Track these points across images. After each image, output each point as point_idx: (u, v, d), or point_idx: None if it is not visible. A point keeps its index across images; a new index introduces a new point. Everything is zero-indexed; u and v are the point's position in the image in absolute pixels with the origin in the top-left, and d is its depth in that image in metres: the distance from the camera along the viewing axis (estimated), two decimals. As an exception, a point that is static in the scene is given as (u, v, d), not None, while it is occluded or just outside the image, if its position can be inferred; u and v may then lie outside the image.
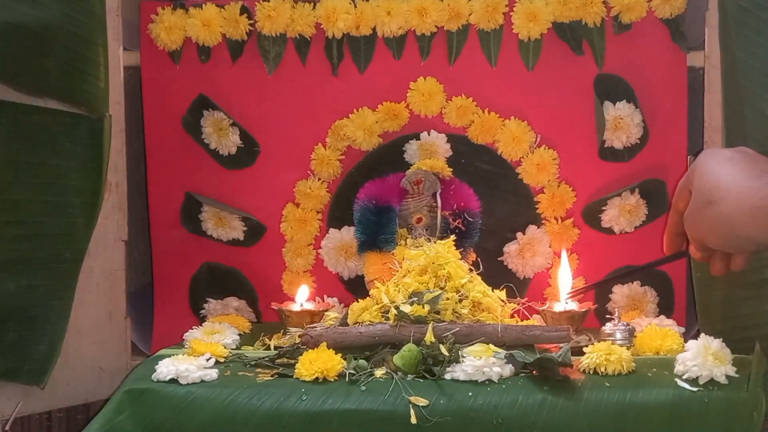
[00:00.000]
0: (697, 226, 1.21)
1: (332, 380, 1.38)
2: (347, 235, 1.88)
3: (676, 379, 1.35)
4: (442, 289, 1.54)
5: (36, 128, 1.62)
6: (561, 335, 1.47)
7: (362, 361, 1.42)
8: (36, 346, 1.65)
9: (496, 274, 1.80)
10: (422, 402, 1.32)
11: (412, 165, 1.83)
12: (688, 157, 1.70)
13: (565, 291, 1.68)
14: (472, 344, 1.43)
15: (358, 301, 1.59)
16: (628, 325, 1.56)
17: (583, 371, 1.39)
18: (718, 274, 1.28)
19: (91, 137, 1.69)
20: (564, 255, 1.77)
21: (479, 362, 1.37)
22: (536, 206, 1.86)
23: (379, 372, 1.40)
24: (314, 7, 1.85)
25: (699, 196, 1.19)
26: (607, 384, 1.35)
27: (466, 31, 1.85)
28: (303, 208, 1.90)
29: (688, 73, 1.82)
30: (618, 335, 1.54)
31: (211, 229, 1.92)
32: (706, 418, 1.30)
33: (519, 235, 1.87)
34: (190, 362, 1.42)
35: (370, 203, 1.76)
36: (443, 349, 1.40)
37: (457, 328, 1.46)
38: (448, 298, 1.53)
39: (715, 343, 1.38)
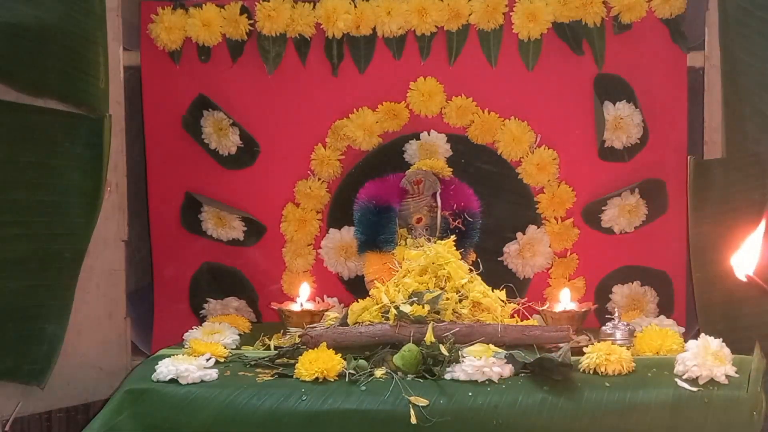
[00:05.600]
0: None
1: (332, 380, 1.38)
2: (347, 235, 1.88)
3: (676, 379, 1.35)
4: (442, 289, 1.54)
5: (36, 128, 1.63)
6: (561, 335, 1.47)
7: (362, 361, 1.42)
8: (36, 346, 1.65)
9: (496, 274, 1.80)
10: (422, 402, 1.32)
11: (412, 165, 1.83)
12: (688, 157, 1.70)
13: (751, 261, 1.45)
14: (472, 344, 1.43)
15: (358, 301, 1.59)
16: (628, 325, 1.56)
17: (583, 371, 1.39)
18: None
19: (91, 137, 1.69)
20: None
21: (479, 362, 1.37)
22: (536, 206, 1.86)
23: (379, 372, 1.40)
24: (314, 7, 1.86)
25: None
26: (607, 384, 1.35)
27: (466, 31, 1.85)
28: (303, 208, 1.90)
29: (688, 73, 1.82)
30: (618, 335, 1.54)
31: (211, 229, 1.92)
32: (706, 418, 1.30)
33: (519, 235, 1.87)
34: (190, 362, 1.42)
35: (370, 203, 1.75)
36: (443, 349, 1.40)
37: (457, 328, 1.46)
38: (448, 298, 1.53)
39: (715, 343, 1.38)
